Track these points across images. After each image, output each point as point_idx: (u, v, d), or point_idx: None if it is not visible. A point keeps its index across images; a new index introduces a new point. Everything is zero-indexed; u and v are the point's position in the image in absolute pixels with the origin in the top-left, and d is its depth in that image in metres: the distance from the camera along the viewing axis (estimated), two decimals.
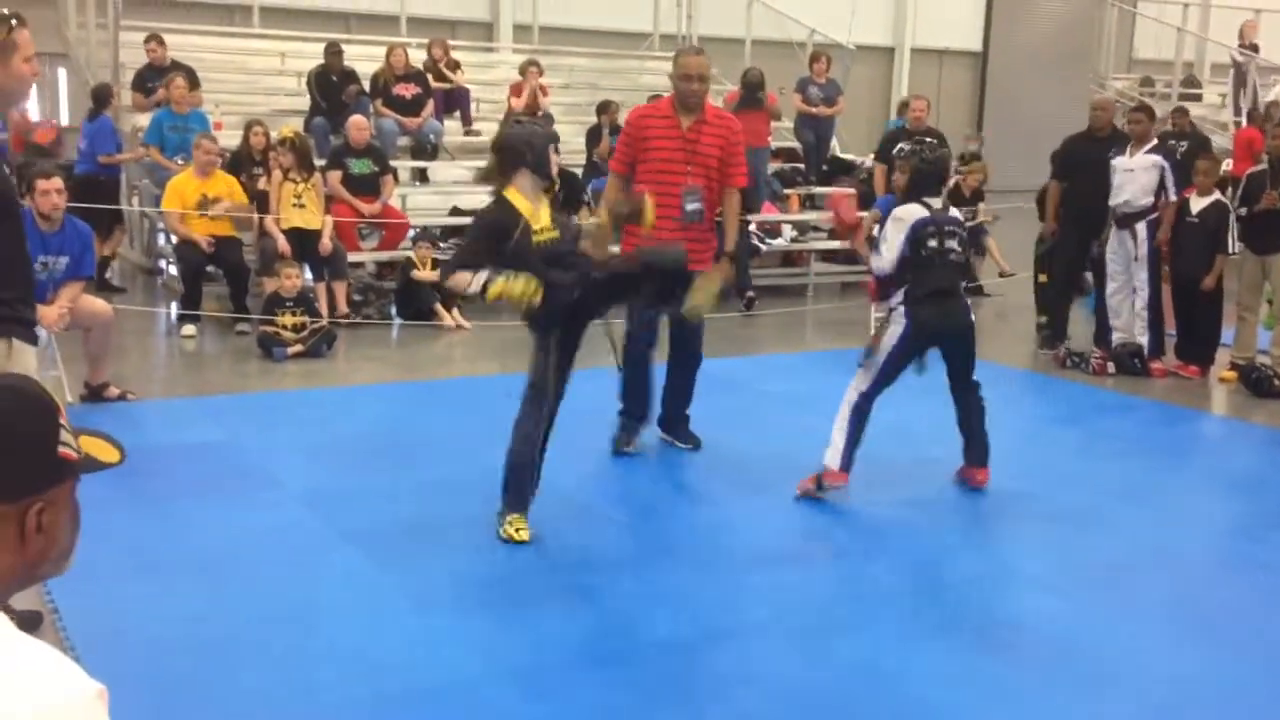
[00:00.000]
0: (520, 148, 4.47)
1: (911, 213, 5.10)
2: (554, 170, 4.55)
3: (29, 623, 3.65)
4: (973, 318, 5.25)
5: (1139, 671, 3.66)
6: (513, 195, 4.44)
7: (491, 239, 4.39)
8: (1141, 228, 8.02)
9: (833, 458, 5.07)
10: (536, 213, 4.44)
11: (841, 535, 4.82)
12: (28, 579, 1.39)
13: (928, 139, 5.94)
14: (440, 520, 4.80)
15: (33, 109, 15.20)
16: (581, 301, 4.46)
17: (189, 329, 8.36)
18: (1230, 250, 7.84)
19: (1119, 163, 8.05)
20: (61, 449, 1.38)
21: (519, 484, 4.58)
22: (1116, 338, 8.23)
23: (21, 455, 1.34)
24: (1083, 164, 8.39)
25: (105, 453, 1.48)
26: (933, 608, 4.12)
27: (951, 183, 9.54)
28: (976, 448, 5.32)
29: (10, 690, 1.17)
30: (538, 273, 4.31)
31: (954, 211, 5.29)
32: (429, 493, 5.12)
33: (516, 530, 4.52)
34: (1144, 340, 8.11)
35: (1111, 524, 5.02)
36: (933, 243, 5.06)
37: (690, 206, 5.56)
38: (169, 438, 5.87)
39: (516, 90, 11.67)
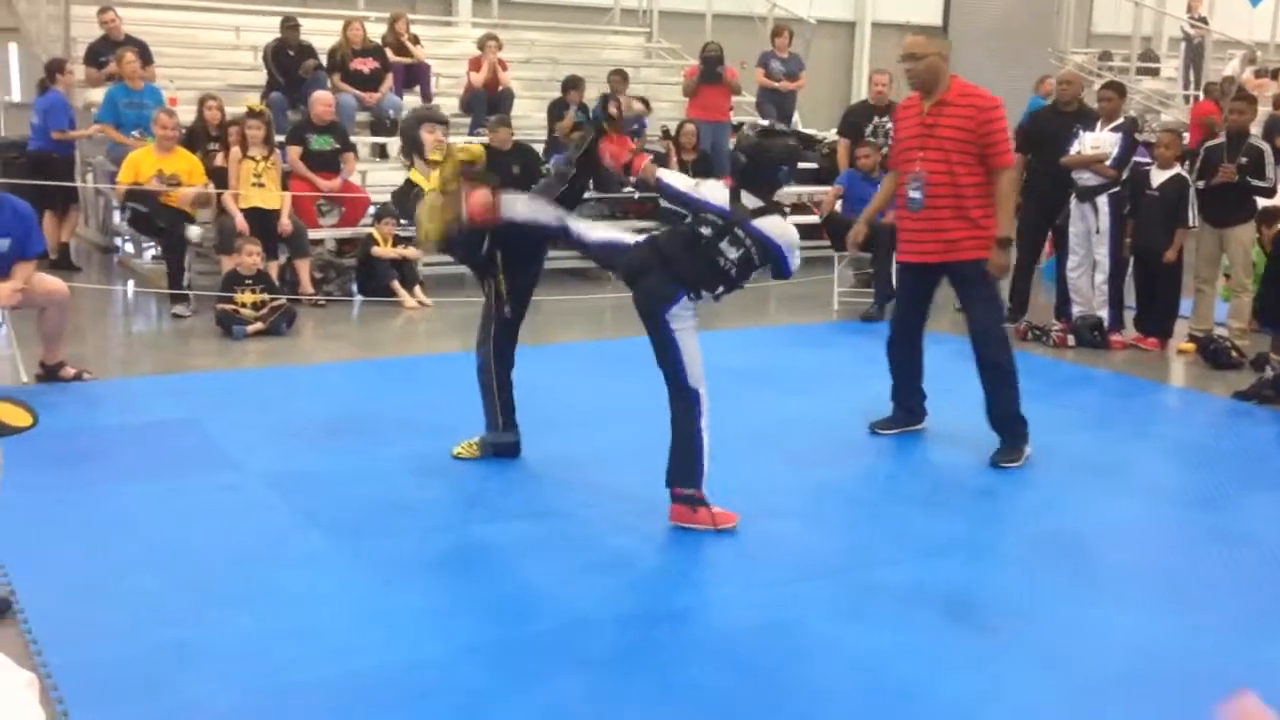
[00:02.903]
0: (405, 135, 5.50)
1: (711, 191, 4.50)
2: (428, 145, 5.17)
3: (1, 606, 3.60)
4: (666, 308, 4.38)
5: (1100, 642, 3.70)
6: (414, 174, 5.36)
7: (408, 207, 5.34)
8: (1103, 201, 8.09)
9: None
10: (418, 179, 5.24)
11: (807, 512, 4.83)
12: None
13: (778, 126, 5.56)
14: (404, 498, 4.77)
15: None
16: (495, 243, 4.94)
17: (181, 309, 8.22)
18: (1190, 223, 7.92)
19: (1086, 137, 8.12)
20: None
21: (484, 404, 5.16)
22: (1076, 311, 8.30)
23: None
24: (1047, 137, 8.44)
25: (17, 417, 1.45)
26: (890, 580, 4.14)
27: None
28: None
29: None
30: None
31: (765, 226, 4.40)
32: (392, 471, 5.09)
33: (465, 448, 5.18)
34: (1104, 314, 8.19)
35: (1072, 495, 5.07)
36: (706, 230, 4.41)
37: (911, 194, 5.41)
38: (127, 418, 5.79)
39: (475, 65, 11.56)
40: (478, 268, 5.15)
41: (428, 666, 3.39)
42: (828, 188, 10.30)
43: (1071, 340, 8.12)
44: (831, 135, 12.15)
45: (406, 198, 5.43)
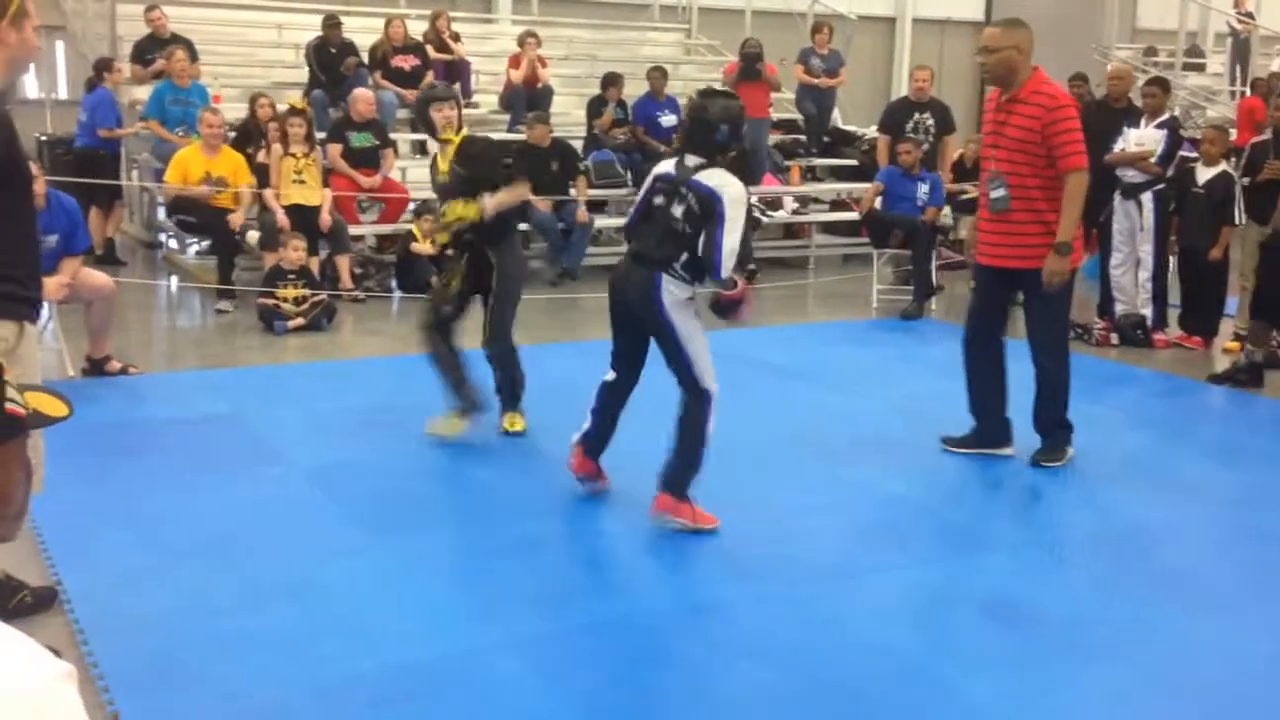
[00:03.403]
0: (418, 117, 5.67)
1: (662, 165, 4.59)
2: (438, 124, 5.38)
3: (44, 599, 3.65)
4: (658, 297, 4.33)
5: (1144, 643, 3.67)
6: (438, 152, 5.62)
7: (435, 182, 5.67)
8: (1147, 198, 8.00)
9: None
10: (440, 159, 5.52)
11: (844, 510, 4.81)
12: None
13: (722, 87, 5.19)
14: (444, 493, 4.80)
15: (30, 82, 15.11)
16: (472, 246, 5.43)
17: (224, 304, 8.32)
18: (1236, 221, 7.81)
19: (1131, 134, 8.03)
20: (8, 405, 1.37)
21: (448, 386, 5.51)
22: (1120, 309, 8.21)
23: None
24: (1095, 134, 8.33)
25: (53, 407, 1.46)
26: (930, 579, 4.13)
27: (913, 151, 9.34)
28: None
29: None
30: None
31: (704, 177, 4.36)
32: (432, 466, 5.12)
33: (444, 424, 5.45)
34: (1147, 312, 8.10)
35: (1115, 494, 5.03)
36: (659, 199, 4.44)
37: (993, 194, 5.20)
38: (172, 412, 5.87)
39: (515, 62, 11.59)
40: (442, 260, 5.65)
41: (467, 659, 3.41)
42: (867, 184, 10.25)
43: (1114, 338, 8.03)
44: (871, 132, 12.09)
45: (435, 174, 5.65)
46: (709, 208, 4.29)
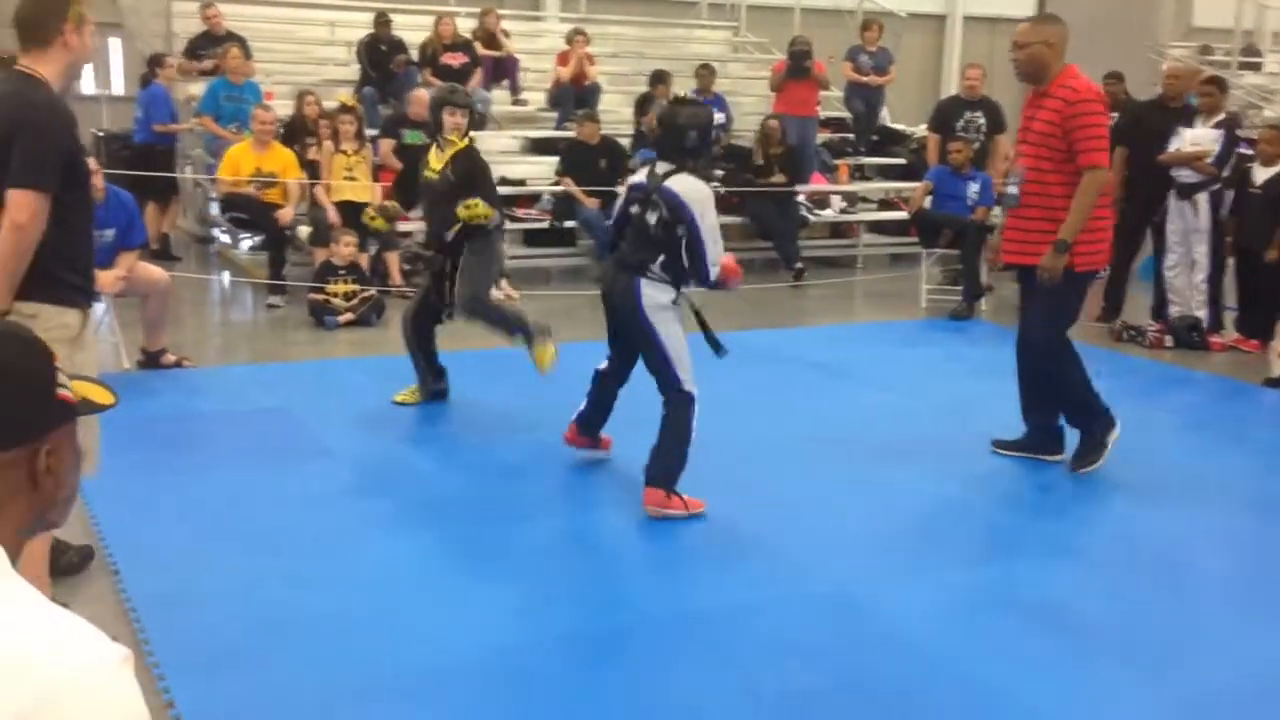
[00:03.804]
0: (431, 113, 5.97)
1: (636, 174, 4.77)
2: (446, 127, 5.74)
3: (84, 556, 3.79)
4: (639, 304, 4.49)
5: (1201, 653, 3.61)
6: (432, 154, 5.91)
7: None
8: (1202, 199, 7.88)
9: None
10: (433, 157, 5.86)
11: (890, 511, 4.78)
12: (39, 524, 1.43)
13: (699, 98, 5.23)
14: (490, 489, 4.83)
15: (86, 78, 15.34)
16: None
17: (275, 299, 8.42)
18: None
19: (1187, 134, 7.92)
20: (60, 392, 1.41)
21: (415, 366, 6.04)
22: (1174, 311, 8.10)
23: (29, 399, 1.37)
24: (1150, 132, 8.22)
25: (100, 395, 1.51)
26: (989, 586, 4.09)
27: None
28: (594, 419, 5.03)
29: (44, 658, 1.20)
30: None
31: (672, 183, 4.47)
32: (479, 461, 5.15)
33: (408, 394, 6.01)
34: (1202, 314, 7.98)
35: (1170, 500, 4.95)
36: (634, 208, 4.61)
37: (1009, 189, 5.17)
38: (224, 405, 5.94)
39: (563, 59, 11.63)
40: (437, 263, 5.96)
41: (511, 654, 3.43)
42: (916, 183, 10.18)
43: (1169, 341, 7.93)
44: (920, 130, 12.01)
45: (424, 168, 5.98)
46: (678, 214, 4.45)
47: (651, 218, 4.51)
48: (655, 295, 4.50)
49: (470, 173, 5.73)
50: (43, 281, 3.30)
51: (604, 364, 4.94)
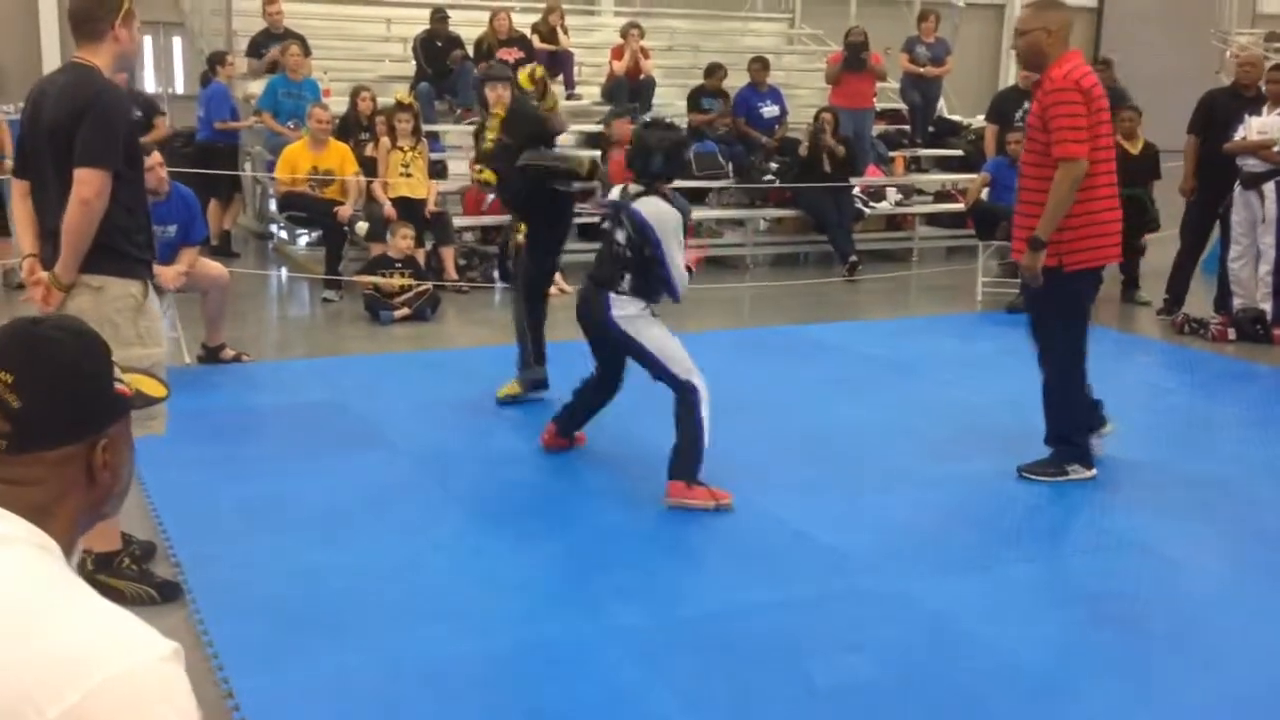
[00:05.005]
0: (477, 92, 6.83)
1: (613, 192, 4.84)
2: (491, 101, 5.85)
3: (171, 590, 3.71)
4: (608, 316, 4.60)
5: (1262, 648, 3.55)
6: (486, 124, 6.08)
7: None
8: (1269, 188, 7.71)
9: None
10: (488, 130, 5.98)
11: (949, 504, 4.74)
12: (95, 516, 1.45)
13: (666, 119, 5.15)
14: (546, 482, 4.85)
15: (148, 77, 15.60)
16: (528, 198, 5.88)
17: (331, 294, 8.51)
18: None
19: (1254, 122, 7.76)
20: (117, 385, 1.43)
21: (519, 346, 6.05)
22: (1238, 303, 7.94)
23: (88, 394, 1.40)
24: (1222, 121, 8.07)
25: (153, 388, 1.53)
26: (1048, 578, 4.04)
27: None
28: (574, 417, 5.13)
29: (97, 651, 1.22)
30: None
31: (640, 204, 4.56)
32: (534, 454, 5.17)
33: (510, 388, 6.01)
34: (1267, 306, 7.82)
35: (1234, 494, 4.87)
36: (605, 225, 4.77)
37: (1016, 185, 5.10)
38: (283, 398, 6.02)
39: (618, 53, 11.63)
40: (516, 210, 6.20)
41: (566, 647, 3.44)
42: (973, 175, 10.06)
43: (1232, 334, 7.77)
44: (978, 121, 11.87)
45: (480, 142, 6.20)
46: (643, 235, 4.56)
47: (620, 235, 4.64)
48: (626, 308, 4.62)
49: (518, 125, 5.78)
50: (108, 255, 3.54)
51: (593, 373, 5.04)
